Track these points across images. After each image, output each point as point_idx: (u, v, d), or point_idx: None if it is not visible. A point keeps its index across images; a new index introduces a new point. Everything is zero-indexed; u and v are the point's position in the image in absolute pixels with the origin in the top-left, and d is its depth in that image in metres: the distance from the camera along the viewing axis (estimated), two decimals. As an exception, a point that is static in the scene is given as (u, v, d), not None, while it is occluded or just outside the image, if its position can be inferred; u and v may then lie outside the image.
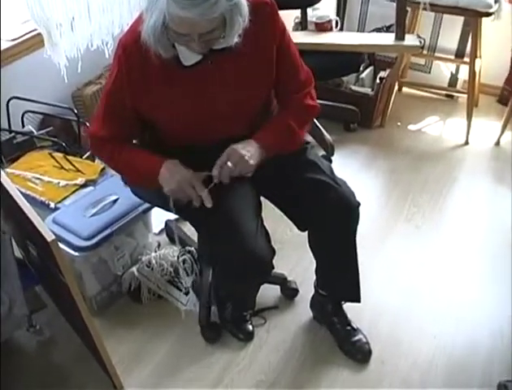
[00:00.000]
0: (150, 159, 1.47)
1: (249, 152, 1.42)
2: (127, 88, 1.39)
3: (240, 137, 1.49)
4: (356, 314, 1.85)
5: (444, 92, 3.31)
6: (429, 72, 3.36)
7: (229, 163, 1.40)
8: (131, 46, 1.36)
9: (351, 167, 2.74)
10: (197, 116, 1.45)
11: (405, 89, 3.37)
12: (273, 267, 1.55)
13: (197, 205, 1.41)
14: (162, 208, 1.67)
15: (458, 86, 3.28)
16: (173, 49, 1.34)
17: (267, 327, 1.90)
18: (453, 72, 3.27)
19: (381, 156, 2.85)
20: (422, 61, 3.35)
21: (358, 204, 1.60)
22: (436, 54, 3.28)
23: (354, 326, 1.81)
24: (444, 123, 3.10)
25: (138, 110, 1.44)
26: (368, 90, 3.07)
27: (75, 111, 2.36)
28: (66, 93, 2.52)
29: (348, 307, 1.83)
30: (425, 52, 3.26)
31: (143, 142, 1.62)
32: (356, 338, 1.79)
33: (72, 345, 1.79)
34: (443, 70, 3.31)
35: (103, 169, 2.11)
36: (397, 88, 3.17)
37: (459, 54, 3.21)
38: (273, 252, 1.54)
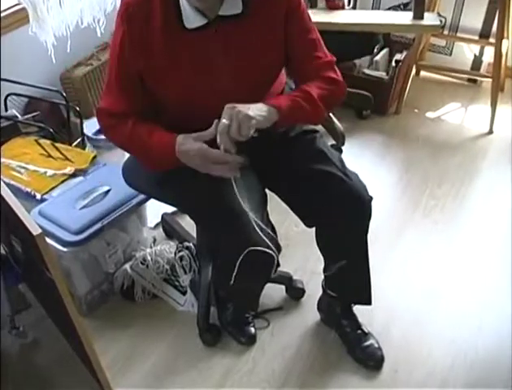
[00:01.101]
0: (163, 138, 1.43)
1: (245, 106, 1.34)
2: (130, 51, 1.40)
3: None
4: (367, 316, 1.85)
5: (466, 76, 3.29)
6: (450, 54, 3.35)
7: (223, 120, 1.32)
8: (133, 5, 1.39)
9: (363, 158, 2.73)
10: (198, 88, 1.44)
11: (423, 73, 3.36)
12: (279, 264, 1.56)
13: (232, 175, 1.37)
14: (159, 199, 1.68)
15: (482, 70, 3.27)
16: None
17: (271, 329, 1.91)
18: (477, 54, 3.26)
19: (396, 146, 2.84)
20: (442, 42, 3.33)
21: (371, 198, 1.59)
22: (459, 35, 3.26)
23: (365, 330, 1.82)
24: (465, 110, 3.10)
25: (146, 82, 1.44)
26: (383, 74, 3.06)
27: (64, 94, 2.36)
28: (54, 74, 2.52)
29: (358, 309, 1.84)
30: (446, 32, 3.24)
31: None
32: (367, 343, 1.80)
33: (58, 349, 1.80)
34: (465, 52, 3.29)
35: (94, 157, 2.11)
36: (414, 71, 3.16)
37: (484, 35, 3.19)
38: (279, 248, 1.54)
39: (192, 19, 1.38)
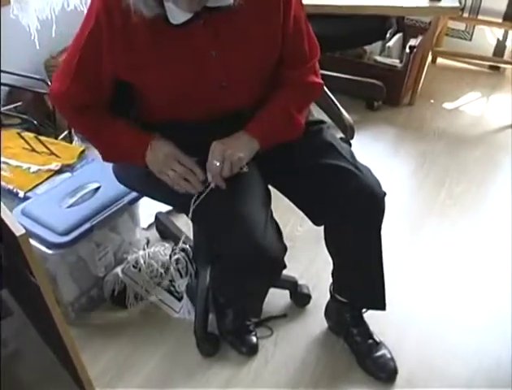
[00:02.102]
0: (135, 135, 1.50)
1: (233, 144, 1.46)
2: (106, 45, 1.40)
3: (238, 113, 1.50)
4: (379, 324, 1.85)
5: (487, 63, 3.30)
6: (470, 39, 3.36)
7: (215, 162, 1.44)
8: None
9: (374, 153, 2.74)
10: (188, 84, 1.45)
11: (440, 60, 3.36)
12: (285, 266, 1.56)
13: (196, 191, 1.45)
14: (153, 197, 1.69)
15: (506, 56, 3.27)
16: (159, 7, 1.34)
17: (274, 339, 1.91)
18: (500, 39, 3.26)
19: (410, 139, 2.85)
20: (461, 26, 3.34)
21: (384, 194, 1.59)
22: (480, 17, 3.25)
23: (377, 339, 1.82)
24: (487, 101, 3.10)
25: (119, 75, 1.45)
26: (396, 61, 3.07)
27: (49, 83, 2.36)
28: (37, 61, 2.52)
29: (370, 317, 1.84)
30: (466, 15, 3.23)
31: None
32: (379, 353, 1.80)
33: (42, 360, 1.79)
34: (487, 36, 3.29)
35: (82, 152, 2.12)
36: (430, 58, 3.17)
37: (508, 17, 3.17)
38: (284, 248, 1.55)
39: (177, 15, 1.37)
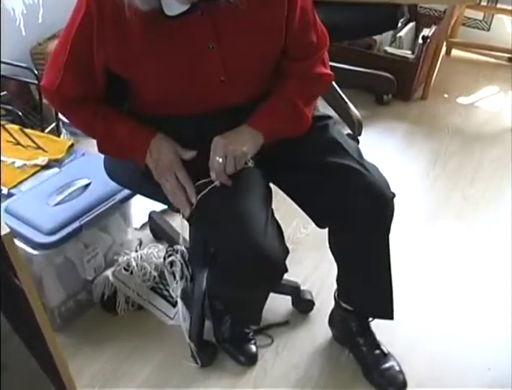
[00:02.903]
0: (136, 130, 1.51)
1: (236, 138, 1.47)
2: (97, 36, 1.40)
3: (239, 108, 1.51)
4: (387, 334, 1.86)
5: (506, 55, 3.29)
6: (488, 30, 3.36)
7: (218, 158, 1.44)
8: None
9: (384, 150, 2.74)
10: (185, 79, 1.45)
11: (455, 52, 3.37)
12: (286, 270, 1.56)
13: (185, 213, 1.48)
14: (146, 195, 1.69)
15: (526, 48, 3.27)
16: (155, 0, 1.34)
17: (275, 348, 1.91)
18: (520, 29, 3.26)
19: (422, 136, 2.85)
20: (479, 15, 3.34)
21: (393, 195, 1.60)
22: (499, 6, 3.26)
23: (385, 350, 1.82)
24: (505, 96, 3.10)
25: (111, 67, 1.45)
26: (407, 53, 3.07)
27: (36, 72, 2.36)
28: (23, 48, 2.53)
29: (377, 325, 1.84)
30: (483, 3, 3.24)
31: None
32: (386, 365, 1.80)
33: (26, 370, 1.79)
34: (506, 26, 3.29)
35: (71, 146, 2.12)
36: (444, 50, 3.17)
37: (530, 6, 3.19)
38: (286, 251, 1.55)
39: (172, 6, 1.37)
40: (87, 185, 1.92)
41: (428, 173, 2.64)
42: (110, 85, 1.52)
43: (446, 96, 3.12)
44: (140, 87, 1.51)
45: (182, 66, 1.43)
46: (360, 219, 1.59)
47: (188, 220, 1.57)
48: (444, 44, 3.12)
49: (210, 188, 1.45)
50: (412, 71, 3.02)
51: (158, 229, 2.24)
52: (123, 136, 1.51)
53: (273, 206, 1.57)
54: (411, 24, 3.16)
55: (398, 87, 3.01)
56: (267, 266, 1.49)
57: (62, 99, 1.53)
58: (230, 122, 1.50)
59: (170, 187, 1.48)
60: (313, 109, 1.62)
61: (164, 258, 1.98)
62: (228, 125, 1.50)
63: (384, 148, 2.76)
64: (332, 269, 1.80)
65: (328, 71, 1.61)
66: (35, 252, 1.78)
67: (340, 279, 1.81)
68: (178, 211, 1.52)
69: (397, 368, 1.80)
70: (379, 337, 1.84)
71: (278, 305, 1.99)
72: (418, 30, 3.16)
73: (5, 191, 1.95)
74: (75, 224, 1.82)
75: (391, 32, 3.10)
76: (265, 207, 1.51)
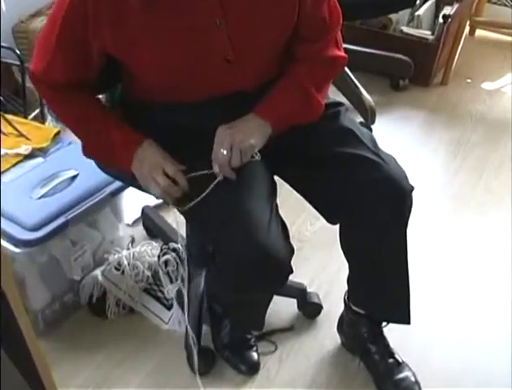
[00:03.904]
0: (127, 134, 1.51)
1: (242, 128, 1.47)
2: (91, 16, 1.39)
3: (245, 95, 1.51)
4: (402, 341, 1.86)
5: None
6: (516, 7, 3.34)
7: (222, 150, 1.45)
8: None
9: (401, 139, 2.74)
10: (188, 58, 1.45)
11: (479, 32, 3.36)
12: (291, 270, 1.56)
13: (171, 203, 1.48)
14: (139, 188, 1.69)
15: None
16: None
17: (279, 355, 1.92)
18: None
19: (442, 125, 2.85)
20: (505, -9, 3.33)
21: (411, 188, 1.60)
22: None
23: (399, 358, 1.82)
24: (533, 80, 3.10)
25: (107, 50, 1.45)
26: (427, 33, 3.06)
27: (18, 52, 2.36)
28: (4, 26, 2.52)
29: (390, 331, 1.84)
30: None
31: (112, 101, 1.64)
32: (401, 376, 1.80)
33: (6, 380, 1.80)
34: (537, 3, 3.28)
35: (57, 134, 2.12)
36: (468, 29, 3.16)
37: None
38: (291, 250, 1.55)
39: None
40: (74, 177, 1.93)
41: (449, 165, 2.65)
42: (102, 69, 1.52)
43: (469, 81, 3.11)
44: (137, 70, 1.50)
45: (185, 44, 1.43)
46: (375, 214, 1.59)
47: (184, 216, 1.57)
48: (468, 23, 3.12)
49: (214, 184, 1.44)
50: (431, 54, 3.02)
51: (151, 225, 2.25)
52: (109, 142, 1.51)
53: (277, 201, 1.57)
54: (431, 1, 3.16)
55: (416, 71, 3.01)
56: (271, 266, 1.49)
57: (50, 84, 1.52)
58: (236, 109, 1.50)
59: (160, 187, 1.47)
60: (326, 94, 1.62)
61: (158, 257, 1.98)
62: (234, 113, 1.49)
63: (399, 138, 2.76)
64: (342, 269, 1.80)
65: (342, 53, 1.61)
66: (17, 250, 1.77)
67: (351, 280, 1.81)
68: (177, 205, 1.51)
69: (413, 379, 1.80)
70: (392, 344, 1.84)
71: (282, 308, 1.99)
72: (438, 8, 3.15)
73: (-16, 182, 1.96)
74: (61, 219, 1.82)
75: (408, 11, 3.09)
76: (269, 202, 1.51)
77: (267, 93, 1.53)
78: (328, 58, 1.59)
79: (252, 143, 1.46)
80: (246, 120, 1.49)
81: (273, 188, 1.58)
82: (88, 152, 1.60)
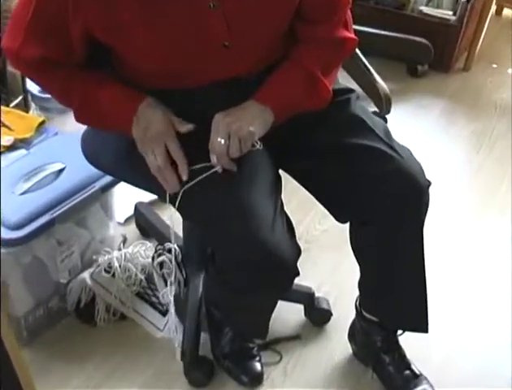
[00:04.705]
0: (120, 92, 1.50)
1: (241, 115, 1.47)
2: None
3: (244, 81, 1.52)
4: (419, 351, 1.86)
5: None
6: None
7: (219, 139, 1.45)
8: None
9: (417, 131, 2.75)
10: (182, 44, 1.45)
11: (507, 12, 3.35)
12: (298, 273, 1.57)
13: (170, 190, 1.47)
14: (132, 183, 1.70)
15: None
16: None
17: (284, 366, 1.92)
18: None
19: (464, 114, 2.85)
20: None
21: (428, 184, 1.61)
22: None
23: (416, 370, 1.83)
24: None
25: (92, 34, 1.46)
26: (448, 13, 3.06)
27: None
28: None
29: (407, 341, 1.85)
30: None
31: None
32: (418, 389, 1.80)
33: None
34: None
35: (42, 123, 2.13)
36: (494, 9, 3.15)
37: None
38: (298, 250, 1.56)
39: None
40: (60, 170, 1.93)
41: (471, 159, 2.65)
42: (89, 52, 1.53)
43: (495, 66, 3.11)
44: (128, 55, 1.51)
45: (179, 28, 1.43)
46: (388, 212, 1.60)
47: (181, 213, 1.57)
48: (494, 1, 3.11)
49: (210, 172, 1.45)
50: (453, 36, 3.01)
51: (145, 224, 2.26)
52: (106, 101, 1.50)
53: (283, 198, 1.57)
54: (452, -21, 3.16)
55: (436, 55, 3.01)
56: (274, 267, 1.50)
57: (25, 61, 1.52)
58: (234, 97, 1.50)
59: (156, 160, 1.46)
60: (334, 79, 1.63)
61: (153, 258, 1.97)
62: (232, 101, 1.50)
63: (417, 129, 2.76)
64: (353, 272, 1.80)
65: (352, 34, 1.60)
66: (-2, 249, 1.79)
67: (363, 284, 1.82)
68: (173, 203, 1.51)
69: (431, 392, 1.81)
70: (409, 354, 1.84)
71: (288, 315, 2.00)
72: (460, -14, 3.15)
73: (-38, 176, 1.97)
74: (47, 217, 1.82)
75: (427, -11, 3.10)
76: (273, 198, 1.52)
77: (269, 77, 1.53)
78: (336, 40, 1.58)
79: (251, 130, 1.45)
80: (245, 107, 1.49)
81: (277, 181, 1.58)
82: (79, 117, 1.57)
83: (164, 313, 2.00)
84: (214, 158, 1.46)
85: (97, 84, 1.52)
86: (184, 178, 1.45)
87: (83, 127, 1.69)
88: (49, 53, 1.48)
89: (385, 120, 2.63)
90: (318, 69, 1.54)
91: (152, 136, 1.47)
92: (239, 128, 1.44)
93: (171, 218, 1.60)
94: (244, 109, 1.49)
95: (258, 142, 1.49)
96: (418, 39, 3.00)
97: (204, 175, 1.45)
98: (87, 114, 1.56)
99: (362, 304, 1.85)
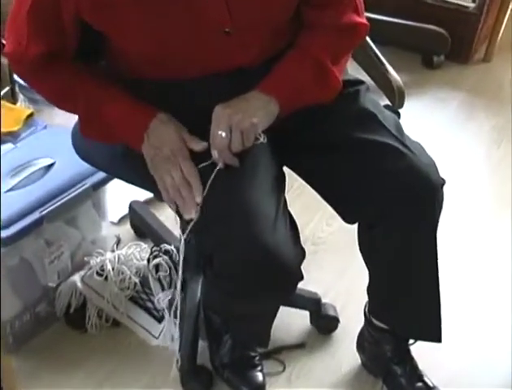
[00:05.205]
0: (130, 106, 1.50)
1: (242, 107, 1.47)
2: None
3: (247, 71, 1.52)
4: (432, 362, 1.87)
5: None
6: None
7: (220, 132, 1.45)
8: None
9: (433, 126, 2.75)
10: (179, 31, 1.46)
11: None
12: (302, 277, 1.57)
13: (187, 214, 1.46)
14: (127, 180, 1.71)
15: None
16: None
17: (288, 376, 1.92)
18: None
19: (484, 108, 2.85)
20: None
21: (442, 182, 1.61)
22: None
23: (429, 382, 1.83)
24: None
25: (84, 17, 1.46)
26: (467, 0, 3.05)
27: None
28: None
29: (418, 350, 1.85)
30: None
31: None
32: (432, 402, 1.82)
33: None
34: None
35: (30, 115, 2.13)
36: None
37: None
38: (302, 252, 1.56)
39: None
40: (50, 166, 1.94)
41: (490, 155, 2.65)
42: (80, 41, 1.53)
43: (517, 57, 3.11)
44: (121, 43, 1.52)
45: (176, 14, 1.43)
46: (399, 212, 1.59)
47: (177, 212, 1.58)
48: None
49: (214, 175, 1.44)
50: (472, 25, 3.01)
51: (140, 223, 2.26)
52: (113, 114, 1.51)
53: (287, 197, 1.58)
54: (471, -38, 3.15)
55: (453, 45, 3.01)
56: (276, 270, 1.49)
57: (30, 61, 1.52)
58: (236, 89, 1.50)
59: (171, 182, 1.46)
60: (343, 69, 1.62)
61: (148, 260, 1.99)
62: (234, 94, 1.50)
63: (433, 124, 2.76)
64: (362, 276, 1.80)
65: (363, 19, 1.59)
66: (-18, 250, 1.79)
67: (372, 290, 1.82)
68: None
69: (445, 405, 1.82)
70: (421, 365, 1.84)
71: (292, 321, 2.00)
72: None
73: None
74: (35, 215, 1.83)
75: (445, -27, 3.10)
76: (275, 196, 1.52)
77: (274, 66, 1.53)
78: (346, 26, 1.57)
79: (254, 122, 1.45)
80: (247, 97, 1.49)
81: (281, 178, 1.58)
82: (84, 131, 1.58)
83: (160, 319, 1.99)
84: (215, 153, 1.45)
85: (103, 93, 1.53)
86: (198, 200, 1.44)
87: (74, 121, 1.69)
88: (50, 47, 1.49)
89: (398, 115, 2.63)
90: (326, 57, 1.54)
91: (165, 156, 1.47)
92: (241, 120, 1.44)
93: (170, 219, 1.60)
94: (246, 100, 1.49)
95: (262, 135, 1.48)
96: (434, 28, 3.00)
97: (210, 180, 1.44)
98: (92, 126, 1.56)
99: (372, 310, 1.85)
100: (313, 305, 2.02)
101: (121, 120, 1.51)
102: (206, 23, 1.45)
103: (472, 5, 3.01)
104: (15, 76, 2.45)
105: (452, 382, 1.88)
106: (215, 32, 1.46)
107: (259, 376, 1.88)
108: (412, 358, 1.85)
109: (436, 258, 1.69)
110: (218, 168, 1.45)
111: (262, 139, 1.48)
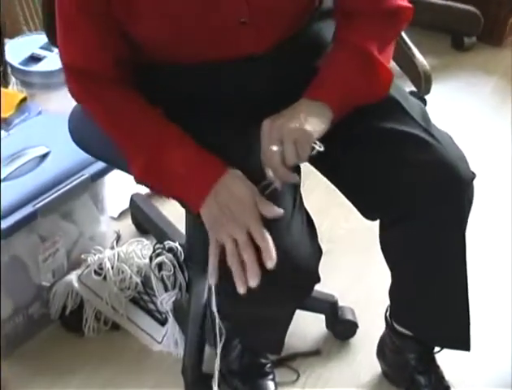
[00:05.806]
0: (196, 153, 1.46)
1: (293, 116, 1.44)
2: None
3: (258, 57, 1.52)
4: (459, 370, 1.87)
5: None
6: None
7: (271, 147, 1.41)
8: None
9: (463, 113, 2.74)
10: (194, 20, 1.46)
11: None
12: (319, 279, 1.57)
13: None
14: (127, 170, 1.71)
15: None
16: None
17: (302, 386, 1.93)
18: None
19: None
20: None
21: (472, 176, 1.60)
22: None
23: (456, 393, 1.84)
24: None
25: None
26: (501, -24, 3.05)
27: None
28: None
29: (444, 358, 1.85)
30: None
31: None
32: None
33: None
34: None
35: (23, 100, 2.14)
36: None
37: None
38: (319, 252, 1.56)
39: None
40: (44, 155, 1.94)
41: (525, 147, 2.64)
42: None
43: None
44: (135, 28, 1.51)
45: (191, 3, 1.44)
46: (425, 208, 1.59)
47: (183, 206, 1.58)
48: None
49: (268, 191, 1.41)
50: (507, 4, 3.00)
51: (142, 218, 2.27)
52: (177, 161, 1.47)
53: (303, 191, 1.57)
54: None
55: (486, 26, 3.00)
56: (291, 271, 1.48)
57: (92, 74, 1.51)
58: (247, 75, 1.51)
59: (231, 247, 1.40)
60: (390, 59, 1.59)
61: (150, 259, 1.99)
62: (245, 79, 1.51)
63: (462, 111, 2.75)
64: (383, 278, 1.80)
65: (406, 2, 1.57)
66: (-29, 246, 1.80)
67: (394, 293, 1.81)
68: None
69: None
70: (448, 375, 1.84)
71: (307, 327, 2.00)
72: None
73: None
74: (28, 209, 1.83)
75: None
76: (290, 192, 1.51)
77: (319, 67, 1.51)
78: (391, 10, 1.55)
79: (307, 129, 1.41)
80: (295, 106, 1.46)
81: (296, 172, 1.58)
82: (138, 176, 1.52)
83: (163, 322, 2.00)
84: (269, 172, 1.41)
85: (167, 137, 1.49)
86: (270, 266, 1.37)
87: (70, 106, 1.70)
88: (116, 50, 1.50)
89: (424, 102, 2.64)
90: (374, 48, 1.51)
91: (232, 216, 1.42)
92: (292, 129, 1.41)
93: (175, 214, 1.59)
94: (294, 108, 1.47)
95: (318, 143, 1.43)
96: (465, 6, 2.99)
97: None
98: (144, 174, 1.51)
99: (394, 315, 1.85)
100: (329, 308, 2.02)
101: (185, 169, 1.47)
102: (223, 13, 1.45)
103: (507, -18, 3.01)
104: (7, 56, 2.46)
105: (452, 382, 1.87)
106: (231, 22, 1.46)
107: (271, 385, 1.88)
108: (438, 367, 1.85)
109: (465, 259, 1.68)
110: (272, 187, 1.41)
111: (320, 148, 1.43)
